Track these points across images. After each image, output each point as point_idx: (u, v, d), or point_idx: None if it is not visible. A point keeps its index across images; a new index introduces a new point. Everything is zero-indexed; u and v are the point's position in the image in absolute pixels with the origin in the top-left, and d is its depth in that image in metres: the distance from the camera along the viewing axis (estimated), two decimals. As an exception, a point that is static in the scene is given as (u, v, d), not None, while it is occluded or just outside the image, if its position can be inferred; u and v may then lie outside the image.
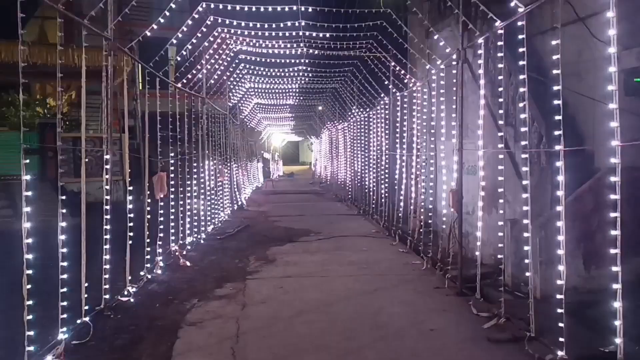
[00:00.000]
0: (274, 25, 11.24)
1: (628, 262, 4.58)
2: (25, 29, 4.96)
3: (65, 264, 5.49)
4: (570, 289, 5.22)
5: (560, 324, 5.04)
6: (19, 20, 4.73)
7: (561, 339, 5.04)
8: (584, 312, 5.95)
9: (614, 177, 4.36)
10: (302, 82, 17.65)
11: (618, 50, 4.49)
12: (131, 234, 7.66)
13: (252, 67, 15.24)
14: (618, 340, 4.34)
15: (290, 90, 19.76)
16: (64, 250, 5.56)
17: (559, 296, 5.14)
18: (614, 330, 4.38)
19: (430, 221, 10.12)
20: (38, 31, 20.76)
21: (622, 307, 4.33)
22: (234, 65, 14.52)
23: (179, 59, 10.99)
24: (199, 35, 10.79)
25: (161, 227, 9.34)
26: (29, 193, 4.91)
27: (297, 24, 10.92)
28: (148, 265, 8.46)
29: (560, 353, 5.05)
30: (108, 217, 6.80)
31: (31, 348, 4.79)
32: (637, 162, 6.47)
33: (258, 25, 11.25)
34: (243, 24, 11.20)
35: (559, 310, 5.08)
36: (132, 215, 7.71)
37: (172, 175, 10.33)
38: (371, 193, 15.85)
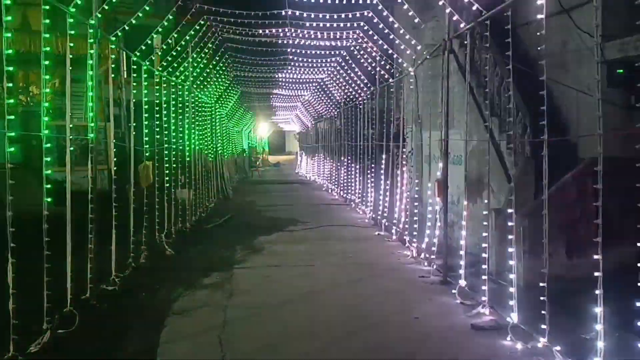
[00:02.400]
0: (260, 14, 11.19)
1: (609, 251, 4.66)
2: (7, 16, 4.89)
3: (49, 252, 5.46)
4: (552, 278, 5.29)
5: (543, 312, 5.13)
6: (2, 7, 4.67)
7: (543, 327, 5.13)
8: (566, 300, 6.04)
9: (597, 167, 4.42)
10: (289, 71, 17.58)
11: (601, 41, 4.54)
12: (116, 222, 7.63)
13: (238, 55, 15.15)
14: (599, 327, 4.42)
15: (277, 79, 19.66)
16: (48, 239, 5.53)
17: (541, 284, 5.22)
18: (595, 317, 4.45)
19: (416, 211, 10.18)
20: (20, 18, 20.44)
21: (603, 294, 4.41)
22: (219, 54, 14.41)
23: (164, 47, 10.89)
24: (185, 23, 10.71)
25: (147, 216, 9.30)
26: (13, 182, 4.87)
27: (283, 13, 10.87)
28: (134, 254, 8.42)
29: (542, 340, 5.14)
30: (93, 206, 6.76)
31: (16, 337, 4.77)
32: (619, 152, 6.55)
33: (244, 14, 11.18)
34: (229, 12, 11.12)
35: (542, 298, 5.16)
36: (117, 204, 7.67)
37: (157, 164, 10.27)
38: (357, 183, 15.90)
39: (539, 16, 5.37)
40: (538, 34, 5.37)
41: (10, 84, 5.09)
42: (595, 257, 4.42)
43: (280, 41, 13.32)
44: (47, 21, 5.71)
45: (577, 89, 7.65)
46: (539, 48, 5.35)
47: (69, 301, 6.04)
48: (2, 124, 5.04)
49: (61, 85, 16.43)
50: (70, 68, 6.44)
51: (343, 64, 15.12)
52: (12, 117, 5.09)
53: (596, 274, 4.40)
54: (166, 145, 11.03)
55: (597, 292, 4.40)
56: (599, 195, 4.42)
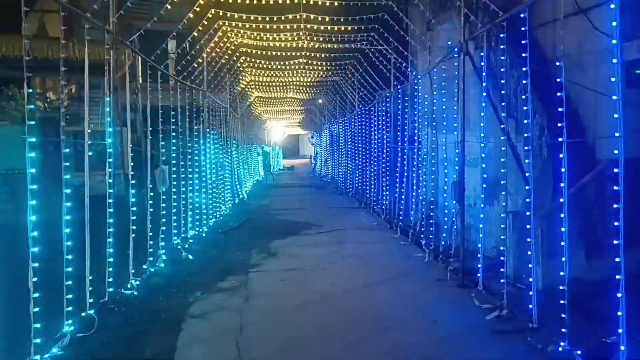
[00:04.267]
0: (275, 18, 11.22)
1: (630, 253, 4.60)
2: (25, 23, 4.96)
3: (69, 257, 5.52)
4: (572, 281, 5.24)
5: (563, 315, 5.08)
6: (23, 14, 4.73)
7: (563, 330, 5.08)
8: (586, 303, 5.97)
9: (617, 168, 4.37)
10: (303, 75, 17.62)
11: (620, 42, 4.50)
12: (134, 227, 7.68)
13: (253, 60, 15.21)
14: (620, 331, 4.37)
15: (291, 83, 19.73)
16: (68, 243, 5.59)
17: (561, 287, 5.17)
18: (616, 320, 4.40)
19: (432, 214, 10.13)
20: (38, 25, 20.71)
21: (624, 297, 4.35)
22: (234, 58, 14.49)
23: (179, 51, 10.97)
24: (200, 28, 10.77)
25: (163, 220, 9.36)
26: (34, 186, 4.92)
27: (298, 17, 10.89)
28: (151, 258, 8.48)
29: (562, 344, 5.09)
30: (111, 210, 6.82)
31: (37, 340, 4.82)
32: (638, 154, 6.47)
33: (259, 18, 11.23)
34: (244, 16, 11.17)
35: (561, 302, 5.12)
36: (134, 208, 7.73)
37: (173, 168, 10.33)
38: (372, 186, 15.86)
39: (556, 17, 5.34)
40: (562, 32, 5.33)
41: (30, 90, 5.13)
42: (617, 259, 4.36)
43: (295, 45, 13.35)
44: (65, 27, 5.77)
45: (595, 90, 7.57)
46: (561, 49, 5.31)
47: (88, 305, 6.10)
48: (19, 130, 5.08)
49: (77, 91, 16.63)
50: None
51: (357, 66, 15.12)
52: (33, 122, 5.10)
53: (617, 276, 4.34)
54: (182, 150, 11.09)
55: (618, 295, 4.34)
56: (618, 197, 4.37)
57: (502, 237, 7.00)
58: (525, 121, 6.36)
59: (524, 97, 6.43)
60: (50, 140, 7.54)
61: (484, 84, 7.43)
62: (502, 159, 6.91)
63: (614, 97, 4.42)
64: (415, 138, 11.50)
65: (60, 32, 5.83)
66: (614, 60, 4.47)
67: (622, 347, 4.36)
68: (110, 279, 6.78)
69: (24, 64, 4.79)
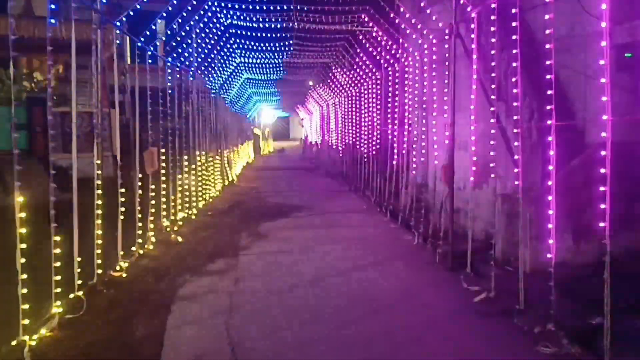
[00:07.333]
0: (265, -1, 11.13)
1: (616, 237, 4.63)
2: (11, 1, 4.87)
3: (57, 238, 5.48)
4: (559, 263, 5.29)
5: (550, 297, 5.12)
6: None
7: (550, 312, 5.13)
8: (573, 286, 6.03)
9: (604, 151, 4.38)
10: (293, 56, 17.50)
11: (609, 25, 4.49)
12: (122, 209, 7.64)
13: (243, 41, 15.08)
14: (605, 313, 4.41)
15: (281, 65, 19.61)
16: (56, 225, 5.54)
17: (548, 270, 5.21)
18: (601, 303, 4.44)
19: (421, 197, 10.16)
20: (23, 4, 20.39)
21: (610, 280, 4.39)
22: (224, 39, 14.34)
23: (169, 32, 10.85)
24: (189, 8, 10.64)
25: (152, 202, 9.31)
26: (20, 167, 4.86)
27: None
28: (140, 240, 8.44)
29: (548, 325, 5.14)
30: (99, 192, 6.77)
31: (26, 322, 4.80)
32: (627, 137, 6.51)
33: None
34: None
35: (548, 284, 5.16)
36: (123, 190, 7.67)
37: (162, 150, 10.26)
38: (362, 169, 15.87)
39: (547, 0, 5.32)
40: (546, 17, 5.31)
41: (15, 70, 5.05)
42: (603, 241, 4.39)
43: (285, 25, 13.24)
44: (53, 6, 5.67)
45: (585, 74, 7.58)
46: (546, 32, 5.30)
47: (77, 286, 6.08)
48: (8, 111, 5.01)
49: (65, 71, 16.39)
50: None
51: (348, 48, 15.03)
52: (17, 103, 5.03)
53: (604, 258, 4.37)
54: (171, 132, 11.01)
55: (604, 276, 4.37)
56: (606, 181, 4.39)
57: (491, 220, 7.03)
58: (515, 104, 6.35)
59: (514, 79, 6.41)
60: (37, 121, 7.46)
61: (474, 67, 7.40)
62: (492, 142, 6.92)
63: (603, 80, 4.42)
64: (406, 120, 11.49)
65: (48, 11, 5.73)
66: (603, 43, 4.45)
67: (607, 329, 4.40)
68: (99, 261, 6.75)
69: (9, 44, 4.71)
